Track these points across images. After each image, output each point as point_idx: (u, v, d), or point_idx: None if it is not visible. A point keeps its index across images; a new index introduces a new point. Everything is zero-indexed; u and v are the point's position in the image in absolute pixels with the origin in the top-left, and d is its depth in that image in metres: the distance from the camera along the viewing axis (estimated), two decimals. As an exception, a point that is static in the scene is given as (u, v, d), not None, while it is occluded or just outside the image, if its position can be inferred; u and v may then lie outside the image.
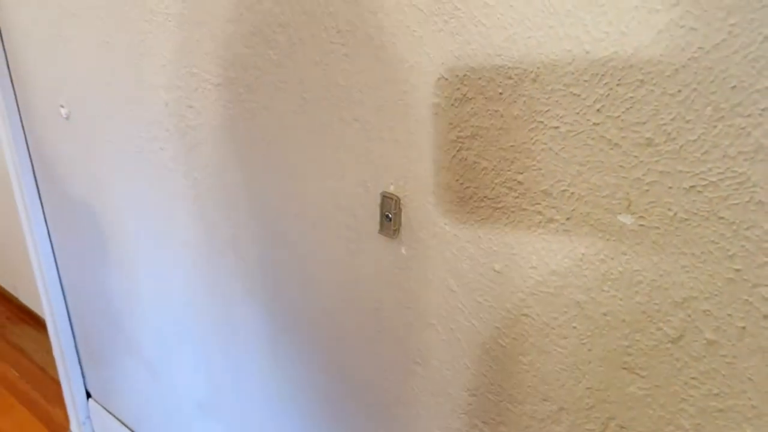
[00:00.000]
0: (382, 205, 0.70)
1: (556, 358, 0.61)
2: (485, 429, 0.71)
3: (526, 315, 0.62)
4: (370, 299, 0.78)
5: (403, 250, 0.71)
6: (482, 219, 0.62)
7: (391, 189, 0.69)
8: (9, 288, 2.72)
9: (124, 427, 1.68)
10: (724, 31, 0.43)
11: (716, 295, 0.49)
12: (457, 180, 0.63)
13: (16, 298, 2.67)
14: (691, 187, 0.48)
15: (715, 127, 0.45)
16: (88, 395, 1.81)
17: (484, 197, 0.61)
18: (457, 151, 0.61)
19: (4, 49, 1.36)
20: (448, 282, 0.68)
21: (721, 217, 0.47)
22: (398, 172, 0.68)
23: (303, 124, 0.76)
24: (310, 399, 0.98)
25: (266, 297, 0.96)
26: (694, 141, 0.47)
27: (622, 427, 0.59)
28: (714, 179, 0.46)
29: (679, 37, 0.45)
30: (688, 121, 0.46)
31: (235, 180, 0.91)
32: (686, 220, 0.49)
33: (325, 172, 0.76)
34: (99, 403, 1.77)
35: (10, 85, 1.38)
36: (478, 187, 0.61)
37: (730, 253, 0.47)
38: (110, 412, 1.73)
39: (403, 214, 0.69)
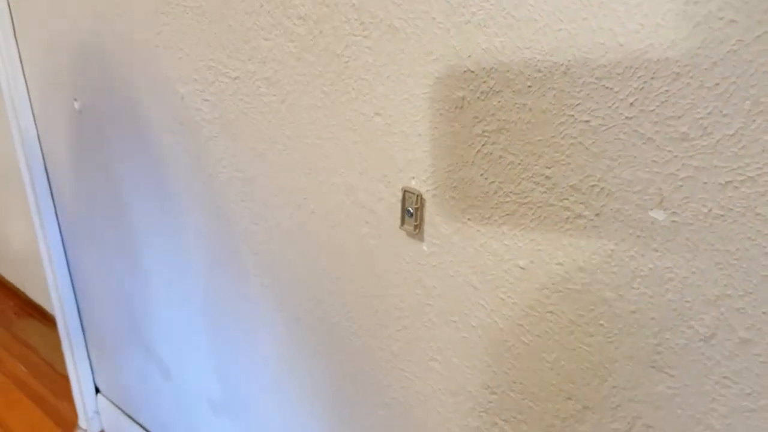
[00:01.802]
0: (404, 200, 0.70)
1: (581, 356, 0.61)
2: (506, 427, 0.71)
3: (551, 312, 0.61)
4: (390, 296, 0.77)
5: (424, 246, 0.70)
6: (507, 214, 0.61)
7: (413, 184, 0.69)
8: (17, 283, 2.72)
9: (133, 422, 1.67)
10: (765, 23, 0.42)
11: (751, 293, 0.48)
12: (481, 175, 0.62)
13: (24, 293, 2.67)
14: (728, 182, 0.47)
15: (754, 121, 0.44)
16: (97, 390, 1.81)
17: (510, 192, 0.60)
18: (483, 145, 0.61)
19: (16, 41, 1.35)
20: (470, 278, 0.67)
21: (759, 214, 0.46)
22: (420, 167, 0.67)
23: (323, 119, 0.75)
24: (324, 397, 0.97)
25: (281, 293, 0.96)
26: (732, 135, 0.46)
27: (649, 427, 0.58)
28: (752, 174, 0.45)
29: (718, 30, 0.44)
30: (725, 115, 0.45)
31: (250, 175, 0.90)
32: (721, 216, 0.48)
33: (344, 167, 0.76)
34: (108, 399, 1.77)
35: (23, 77, 1.38)
36: (504, 182, 0.60)
37: (766, 250, 0.46)
38: (119, 408, 1.73)
39: (425, 209, 0.69)
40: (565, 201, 0.56)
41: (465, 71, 0.59)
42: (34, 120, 1.44)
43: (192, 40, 0.89)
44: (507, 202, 0.61)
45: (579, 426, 0.64)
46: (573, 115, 0.53)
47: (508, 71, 0.56)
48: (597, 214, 0.55)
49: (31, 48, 1.32)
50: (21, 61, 1.37)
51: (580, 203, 0.55)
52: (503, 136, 0.59)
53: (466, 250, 0.66)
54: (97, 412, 1.82)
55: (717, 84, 0.45)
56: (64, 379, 1.99)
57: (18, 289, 2.71)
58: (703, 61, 0.45)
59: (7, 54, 1.35)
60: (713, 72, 0.45)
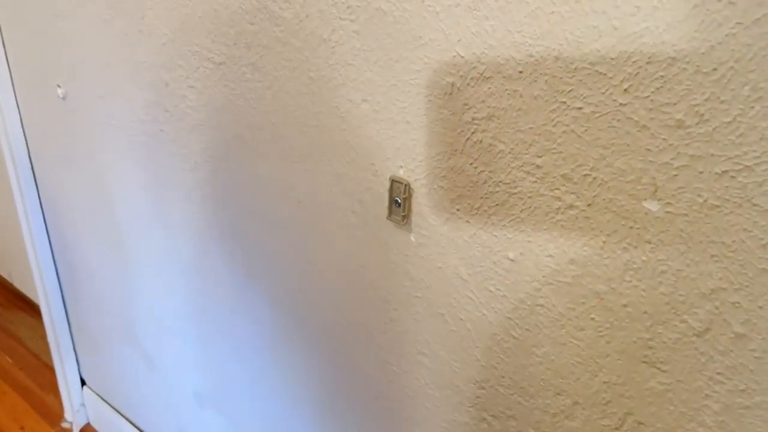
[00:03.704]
0: (391, 190, 0.68)
1: (571, 350, 0.59)
2: (494, 423, 0.69)
3: (540, 305, 0.60)
4: (376, 288, 0.76)
5: (412, 237, 0.69)
6: (497, 205, 0.59)
7: (401, 173, 0.67)
8: (3, 273, 2.68)
9: (118, 415, 1.65)
10: (765, 5, 0.40)
11: (747, 286, 0.46)
12: (471, 164, 0.60)
13: (11, 284, 2.64)
14: (724, 171, 0.45)
15: (753, 108, 0.43)
16: (83, 383, 1.79)
17: (500, 182, 0.58)
18: (472, 133, 0.59)
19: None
20: (458, 270, 0.66)
21: (756, 204, 0.44)
22: (408, 156, 0.65)
23: (309, 105, 0.73)
24: (310, 391, 0.96)
25: (267, 285, 0.94)
26: (729, 123, 0.44)
27: (640, 423, 0.56)
28: (749, 163, 0.44)
29: (716, 12, 0.42)
30: (722, 102, 0.44)
31: (236, 164, 0.88)
32: (717, 207, 0.46)
33: (331, 155, 0.74)
34: (94, 391, 1.75)
35: (6, 63, 1.35)
36: (494, 171, 0.58)
37: (763, 242, 0.45)
38: (105, 400, 1.71)
39: (413, 199, 0.67)
40: (556, 191, 0.55)
41: (454, 56, 0.57)
42: (18, 108, 1.41)
43: (176, 25, 0.86)
44: (497, 192, 0.59)
45: (568, 422, 0.62)
46: (565, 102, 0.51)
47: (498, 56, 0.54)
48: (589, 205, 0.53)
49: (15, 32, 1.29)
50: (4, 45, 1.34)
51: (572, 193, 0.54)
52: (493, 123, 0.57)
53: (454, 242, 0.65)
54: (83, 405, 1.80)
55: (714, 69, 0.43)
56: (51, 371, 1.96)
57: (5, 280, 2.68)
58: (700, 45, 0.44)
59: (-10, 39, 1.32)
60: (711, 56, 0.43)
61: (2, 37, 1.33)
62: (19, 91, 1.38)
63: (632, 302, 0.53)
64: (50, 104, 1.27)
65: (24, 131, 1.43)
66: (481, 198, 0.60)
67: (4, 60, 1.35)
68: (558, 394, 0.62)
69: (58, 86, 1.20)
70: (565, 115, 0.52)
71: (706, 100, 0.44)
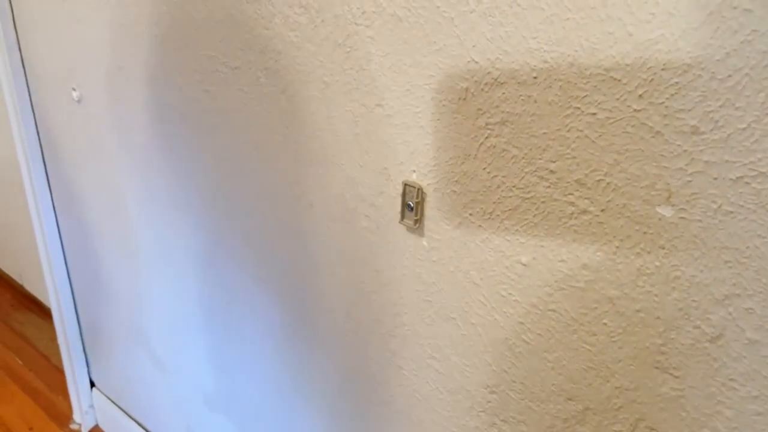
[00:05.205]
0: (404, 194, 0.68)
1: (583, 355, 0.59)
2: (505, 428, 0.69)
3: (553, 310, 0.60)
4: (387, 291, 0.76)
5: (424, 242, 0.69)
6: (510, 209, 0.60)
7: (414, 177, 0.67)
8: (14, 275, 2.70)
9: (127, 417, 1.66)
10: (781, 13, 0.41)
11: (761, 292, 0.46)
12: (484, 168, 0.60)
13: (21, 286, 2.66)
14: (739, 177, 0.45)
15: (768, 114, 0.43)
16: (92, 385, 1.80)
17: (513, 187, 0.59)
18: (486, 138, 0.59)
19: (15, 29, 1.34)
20: (470, 274, 0.66)
21: (770, 210, 0.44)
22: (422, 160, 0.66)
23: (323, 110, 0.74)
24: (320, 394, 0.96)
25: (278, 289, 0.94)
26: (744, 129, 0.44)
27: (652, 429, 0.56)
28: (764, 170, 0.44)
29: (732, 19, 0.43)
30: (737, 108, 0.44)
31: (249, 167, 0.89)
32: (731, 213, 0.46)
33: (344, 160, 0.74)
34: (103, 393, 1.76)
35: (21, 66, 1.37)
36: (507, 176, 0.59)
37: (778, 249, 0.45)
38: (114, 403, 1.72)
39: (425, 203, 0.67)
40: (570, 196, 0.55)
41: (469, 62, 0.58)
42: (33, 111, 1.42)
43: (191, 30, 0.87)
44: (510, 196, 0.59)
45: (580, 427, 0.62)
46: (579, 108, 0.52)
47: (513, 62, 0.55)
48: (602, 210, 0.53)
49: (31, 36, 1.31)
50: (20, 49, 1.36)
51: (585, 198, 0.54)
52: (507, 128, 0.57)
53: (467, 246, 0.65)
54: (92, 407, 1.81)
55: (729, 76, 0.44)
56: (60, 372, 1.97)
57: (15, 281, 2.70)
58: (715, 52, 0.44)
59: (6, 42, 1.33)
60: (726, 63, 0.44)
61: (18, 41, 1.35)
62: (33, 94, 1.39)
63: (645, 308, 0.53)
64: (65, 107, 1.28)
65: (38, 134, 1.45)
66: (494, 203, 0.61)
67: (20, 63, 1.36)
68: (569, 399, 0.62)
69: (73, 89, 1.21)
70: (580, 120, 0.52)
71: (720, 106, 0.45)
